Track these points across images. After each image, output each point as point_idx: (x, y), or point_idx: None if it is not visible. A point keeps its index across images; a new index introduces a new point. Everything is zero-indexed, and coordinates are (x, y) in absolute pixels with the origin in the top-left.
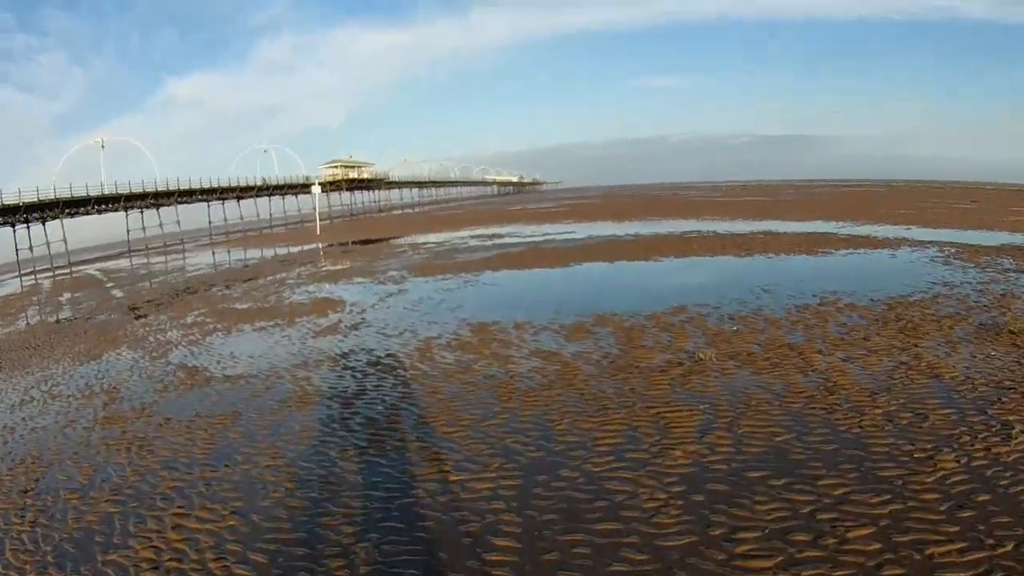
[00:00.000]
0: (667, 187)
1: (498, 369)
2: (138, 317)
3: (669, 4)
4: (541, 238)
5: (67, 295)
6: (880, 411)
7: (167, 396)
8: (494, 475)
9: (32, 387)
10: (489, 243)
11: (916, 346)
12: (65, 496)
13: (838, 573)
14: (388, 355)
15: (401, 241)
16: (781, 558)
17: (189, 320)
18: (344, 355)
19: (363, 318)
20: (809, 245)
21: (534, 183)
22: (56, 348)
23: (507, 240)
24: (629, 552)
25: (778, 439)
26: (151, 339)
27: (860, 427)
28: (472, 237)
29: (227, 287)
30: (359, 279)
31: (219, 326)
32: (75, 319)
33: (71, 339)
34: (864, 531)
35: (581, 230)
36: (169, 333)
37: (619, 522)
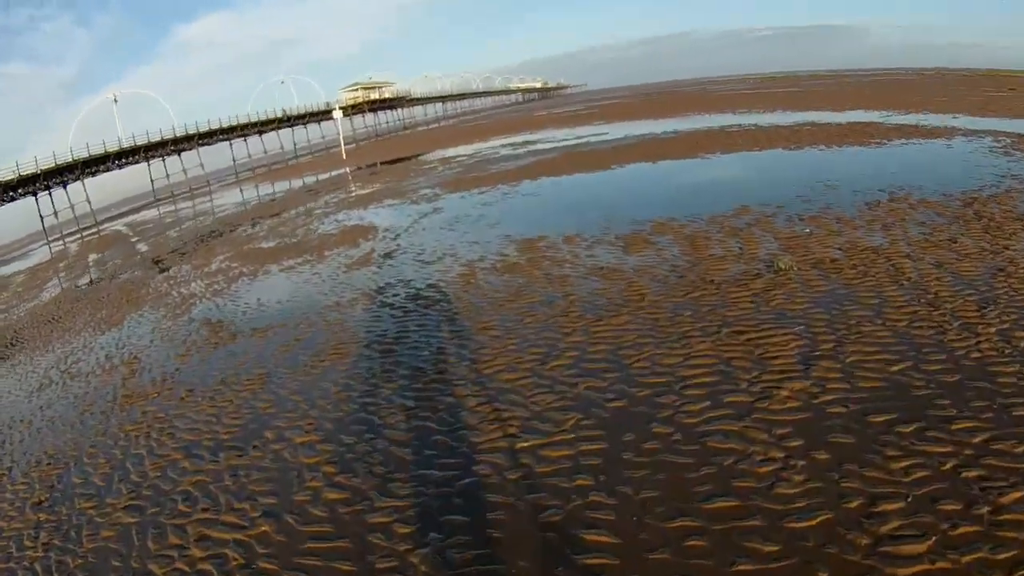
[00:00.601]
0: (692, 83)
1: (554, 293)
2: (162, 271)
3: None
4: (575, 141)
5: (92, 256)
6: (993, 330)
7: (189, 361)
8: (571, 437)
9: (52, 367)
10: (522, 151)
11: (1007, 248)
12: (80, 505)
13: (1002, 556)
14: (429, 286)
15: (430, 157)
16: (934, 538)
17: (213, 267)
18: (380, 290)
19: (397, 244)
20: (858, 135)
21: (558, 87)
22: (78, 317)
23: (540, 146)
24: (754, 541)
25: (894, 369)
26: (174, 293)
27: (979, 351)
28: (503, 146)
29: (253, 225)
30: (390, 201)
31: (245, 270)
32: (99, 281)
33: (93, 305)
34: (1018, 494)
35: (615, 130)
36: (192, 285)
37: (734, 496)
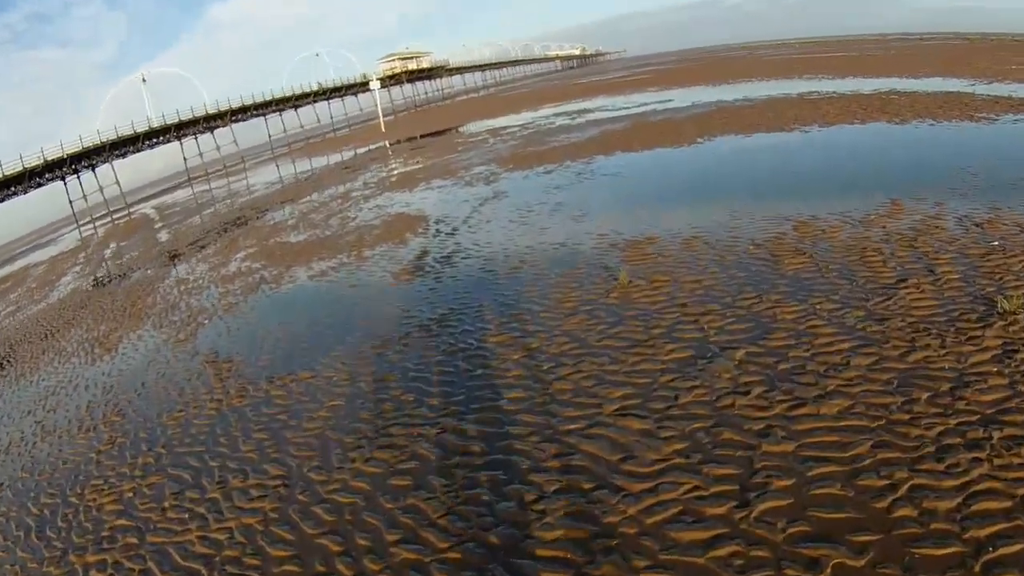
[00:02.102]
0: (734, 47)
1: (704, 344)
2: (176, 268)
3: None
4: (639, 109)
5: (113, 246)
6: None
7: (183, 432)
8: None
9: (28, 413)
10: (580, 120)
11: None
12: None
13: None
14: (512, 318)
15: (476, 128)
16: None
17: (232, 268)
18: (443, 321)
19: (456, 243)
20: (960, 108)
21: (597, 54)
22: (76, 331)
23: (599, 115)
24: None
25: None
26: (182, 306)
27: None
28: (556, 115)
29: (283, 209)
30: (438, 181)
31: (266, 275)
32: (111, 280)
33: (95, 316)
34: None
35: (678, 97)
36: (204, 294)
37: None
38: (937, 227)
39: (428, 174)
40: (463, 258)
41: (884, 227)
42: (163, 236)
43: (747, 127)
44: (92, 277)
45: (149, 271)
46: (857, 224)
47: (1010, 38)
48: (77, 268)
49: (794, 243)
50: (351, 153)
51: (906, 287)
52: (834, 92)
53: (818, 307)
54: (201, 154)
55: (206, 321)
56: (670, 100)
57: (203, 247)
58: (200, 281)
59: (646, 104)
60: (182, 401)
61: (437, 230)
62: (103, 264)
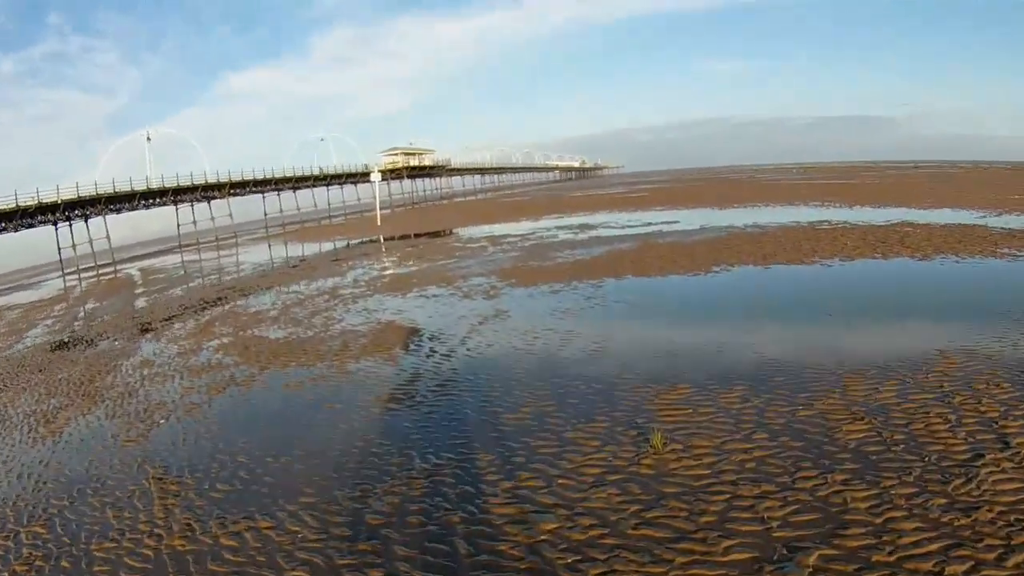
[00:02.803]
0: (734, 170)
1: (763, 537)
2: (144, 343)
3: None
4: (645, 229)
5: (90, 304)
6: None
7: (109, 573)
8: None
9: None
10: (584, 236)
11: None
12: None
13: None
14: (520, 483)
15: (474, 233)
16: None
17: (202, 359)
18: (435, 477)
19: (453, 370)
20: (980, 244)
21: (596, 167)
22: (24, 397)
23: (604, 232)
24: None
25: None
26: (141, 395)
27: None
28: (558, 228)
29: (267, 296)
30: (434, 289)
31: (238, 374)
32: (78, 343)
33: (50, 385)
34: None
35: (683, 218)
36: (167, 385)
37: None
38: (996, 384)
39: (423, 279)
40: (460, 390)
41: (941, 387)
42: (141, 303)
43: (763, 257)
44: (60, 337)
45: (117, 342)
46: (910, 382)
47: (1002, 166)
48: (49, 321)
49: (846, 405)
50: (344, 243)
51: (984, 464)
52: (845, 222)
53: (893, 493)
54: (195, 222)
55: (162, 420)
56: (676, 221)
57: (177, 325)
58: (166, 367)
59: (651, 224)
60: (117, 527)
61: (431, 349)
62: (75, 324)
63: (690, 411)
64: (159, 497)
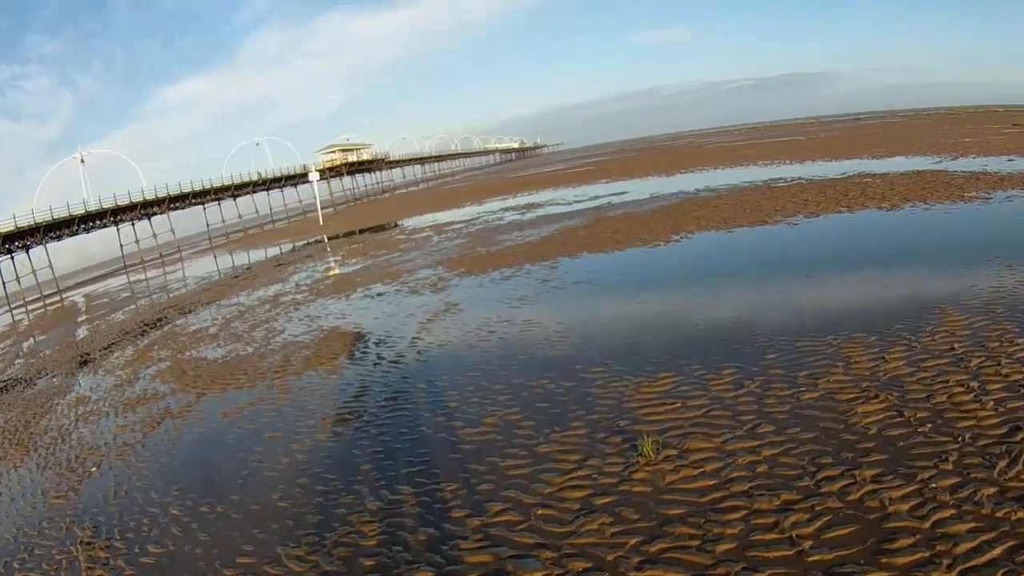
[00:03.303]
0: (675, 137)
1: (796, 566)
2: (82, 377)
3: None
4: (593, 203)
5: (33, 339)
6: None
7: None
8: None
9: None
10: (532, 215)
11: None
12: None
13: None
14: (493, 518)
15: (419, 223)
16: None
17: (138, 389)
18: (391, 518)
19: (404, 378)
20: (946, 189)
21: (535, 147)
22: None
23: (552, 210)
24: None
25: None
26: (74, 439)
27: None
28: (504, 209)
29: (207, 312)
30: (379, 287)
31: (174, 404)
32: (17, 384)
33: None
34: None
35: (631, 188)
36: (101, 424)
37: None
38: (1009, 341)
39: (367, 277)
40: (413, 403)
41: (952, 349)
42: (82, 332)
43: (723, 221)
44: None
45: (55, 379)
46: (916, 346)
47: (943, 111)
48: None
49: (854, 380)
50: (289, 246)
51: None
52: (800, 178)
53: (935, 486)
54: (138, 241)
55: (94, 468)
56: (624, 192)
57: (116, 354)
58: (101, 403)
59: (599, 197)
60: None
61: (378, 356)
62: (16, 362)
63: (678, 405)
64: (87, 567)
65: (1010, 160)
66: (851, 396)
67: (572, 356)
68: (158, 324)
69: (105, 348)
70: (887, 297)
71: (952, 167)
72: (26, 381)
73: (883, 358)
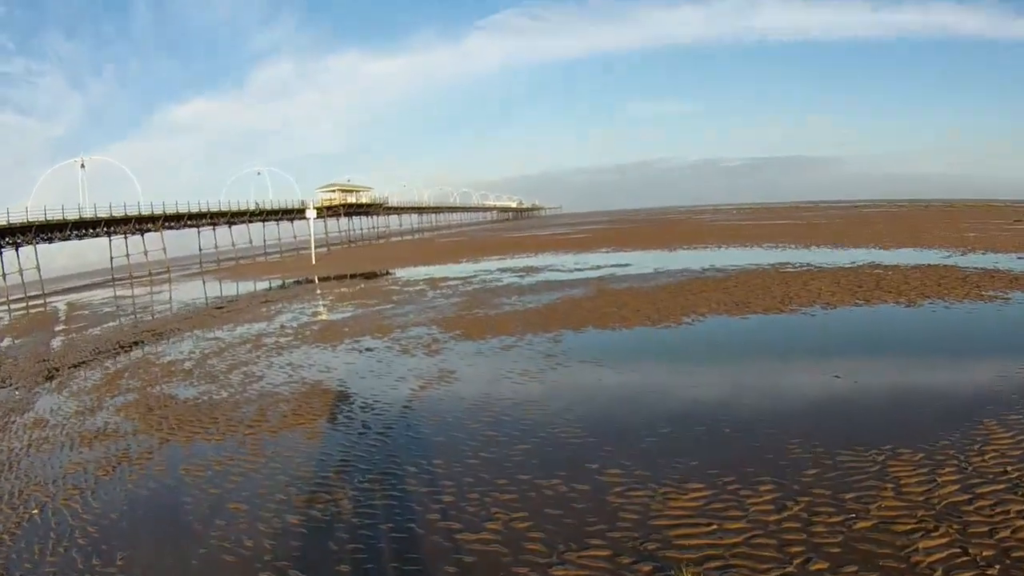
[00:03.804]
0: (672, 211)
1: None
2: (44, 395)
3: (660, 28)
4: (595, 272)
5: (6, 342)
6: None
7: None
8: None
9: None
10: (531, 280)
11: None
12: None
13: None
14: None
15: (413, 275)
16: None
17: (99, 421)
18: None
19: (392, 456)
20: (961, 286)
21: (533, 208)
22: None
23: (552, 276)
24: None
25: None
26: (22, 467)
27: None
28: (501, 270)
29: (186, 343)
30: (368, 340)
31: (134, 448)
32: None
33: None
34: None
35: (634, 260)
36: (54, 457)
37: None
38: None
39: (356, 328)
40: (401, 489)
41: (1006, 472)
42: (56, 343)
43: (736, 305)
44: None
45: (17, 392)
46: (967, 467)
47: (941, 203)
48: None
49: (908, 508)
50: (278, 283)
51: None
52: (809, 264)
53: None
54: (128, 255)
55: (36, 510)
56: (627, 264)
57: (85, 374)
58: (58, 431)
59: (601, 267)
60: None
61: (363, 424)
62: None
63: (715, 528)
64: None
65: (1020, 258)
66: (908, 527)
67: (584, 451)
68: (133, 347)
69: (75, 366)
70: (926, 405)
71: (963, 262)
72: None
73: (935, 480)
